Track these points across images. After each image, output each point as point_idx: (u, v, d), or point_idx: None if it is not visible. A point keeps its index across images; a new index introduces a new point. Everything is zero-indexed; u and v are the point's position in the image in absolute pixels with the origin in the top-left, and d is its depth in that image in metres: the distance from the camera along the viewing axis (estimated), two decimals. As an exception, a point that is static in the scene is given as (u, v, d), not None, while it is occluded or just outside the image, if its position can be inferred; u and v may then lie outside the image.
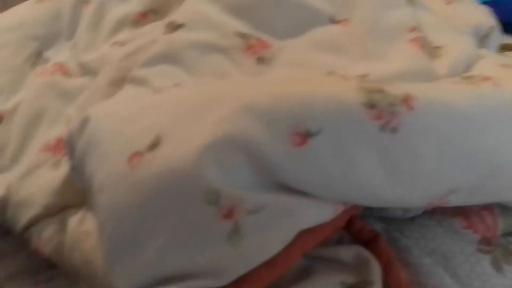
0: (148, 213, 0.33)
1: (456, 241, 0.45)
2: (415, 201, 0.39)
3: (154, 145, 0.34)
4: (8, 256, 0.51)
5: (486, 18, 0.69)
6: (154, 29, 0.59)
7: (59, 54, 0.62)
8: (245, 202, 0.33)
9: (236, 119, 0.34)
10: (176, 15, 0.54)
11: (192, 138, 0.33)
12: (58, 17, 0.65)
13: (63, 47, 0.63)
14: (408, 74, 0.45)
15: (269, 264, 0.34)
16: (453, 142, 0.37)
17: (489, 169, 0.39)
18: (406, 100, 0.36)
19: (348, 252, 0.40)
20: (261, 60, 0.51)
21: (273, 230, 0.34)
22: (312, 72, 0.47)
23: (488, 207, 0.47)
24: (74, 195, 0.47)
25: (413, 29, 0.51)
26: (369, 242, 0.43)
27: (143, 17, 0.65)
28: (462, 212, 0.47)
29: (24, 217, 0.47)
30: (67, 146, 0.41)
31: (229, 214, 0.32)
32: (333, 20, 0.53)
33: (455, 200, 0.41)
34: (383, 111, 0.35)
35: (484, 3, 0.94)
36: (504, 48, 0.84)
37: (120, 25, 0.63)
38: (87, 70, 0.59)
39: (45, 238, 0.46)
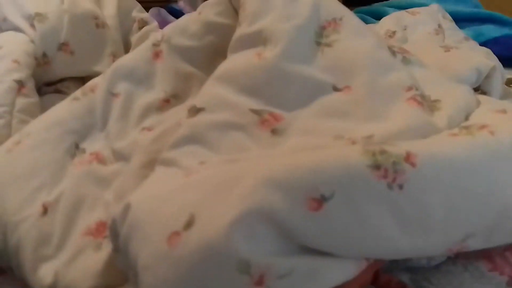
0: (188, 286, 0.37)
1: (484, 284, 0.47)
2: (433, 250, 0.42)
3: (189, 223, 0.39)
4: None
5: (486, 59, 0.74)
6: (176, 114, 0.66)
7: (94, 144, 0.68)
8: (274, 269, 0.36)
9: (257, 192, 0.38)
10: (196, 100, 0.61)
11: (221, 215, 0.38)
12: (92, 111, 0.72)
13: (97, 137, 0.69)
14: (410, 131, 0.49)
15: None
16: (459, 191, 0.40)
17: (501, 210, 0.42)
18: (408, 158, 0.40)
19: (378, 306, 0.42)
20: (275, 132, 0.56)
21: (302, 292, 0.37)
22: (322, 138, 0.52)
23: (511, 247, 0.49)
24: (116, 275, 0.51)
25: (410, 88, 0.56)
26: (398, 294, 0.44)
27: (166, 103, 0.71)
28: (486, 254, 0.49)
29: (71, 301, 0.51)
30: (111, 231, 0.46)
31: (260, 282, 0.36)
32: (336, 88, 0.59)
33: (474, 244, 0.43)
34: (388, 171, 0.39)
35: (485, 43, 0.99)
36: (509, 82, 0.87)
37: (146, 112, 0.70)
38: (120, 156, 0.64)
39: (92, 319, 0.49)
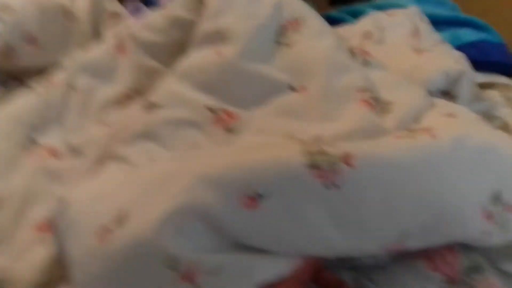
0: (119, 282, 0.37)
1: (423, 284, 0.48)
2: (369, 249, 0.42)
3: (120, 219, 0.38)
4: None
5: (455, 63, 0.75)
6: (135, 109, 0.65)
7: (50, 138, 0.67)
8: (203, 265, 0.36)
9: (191, 189, 0.38)
10: (152, 96, 0.61)
11: (153, 211, 0.38)
12: (49, 104, 0.71)
13: (53, 131, 0.68)
14: (357, 132, 0.50)
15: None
16: (395, 192, 0.41)
17: (436, 212, 0.43)
18: (345, 159, 0.41)
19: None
20: (230, 130, 0.56)
21: (233, 288, 0.37)
22: (274, 137, 0.52)
23: (449, 246, 0.50)
24: (63, 271, 0.50)
25: (364, 89, 0.57)
26: (336, 291, 0.45)
27: (127, 98, 0.71)
28: (427, 254, 0.50)
29: (15, 295, 0.50)
30: (52, 227, 0.45)
31: (189, 277, 0.36)
32: (292, 88, 0.59)
33: (411, 243, 0.44)
34: (326, 171, 0.40)
35: (461, 46, 1.00)
36: (483, 87, 0.89)
37: (106, 107, 0.69)
38: (76, 152, 0.64)
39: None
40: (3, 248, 0.55)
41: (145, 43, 0.75)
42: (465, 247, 0.49)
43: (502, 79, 0.88)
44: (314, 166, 0.40)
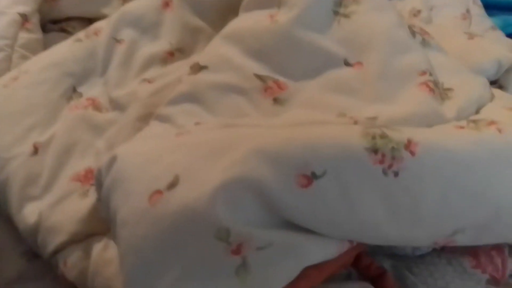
0: (165, 247, 0.36)
1: (465, 280, 0.46)
2: (419, 241, 0.41)
3: (173, 184, 0.37)
4: (35, 279, 0.54)
5: (509, 52, 0.70)
6: (179, 68, 0.63)
7: (92, 90, 0.66)
8: (253, 239, 0.35)
9: (246, 162, 0.37)
10: (200, 57, 0.58)
11: (206, 180, 0.37)
12: (93, 55, 0.70)
13: (96, 83, 0.68)
14: (416, 117, 0.47)
15: (274, 299, 0.36)
16: (455, 187, 0.39)
17: (493, 211, 0.40)
18: (408, 146, 0.38)
19: (355, 288, 0.42)
20: (277, 101, 0.54)
21: (279, 266, 0.36)
22: (324, 113, 0.50)
23: (498, 248, 0.48)
24: (99, 223, 0.50)
25: (424, 72, 0.53)
26: (376, 279, 0.44)
27: (170, 56, 0.69)
28: (472, 251, 0.48)
29: (52, 243, 0.51)
30: (96, 181, 0.45)
31: (237, 250, 0.35)
32: (347, 63, 0.56)
33: (462, 240, 0.42)
34: (386, 156, 0.38)
35: (510, 35, 0.94)
36: None
37: (149, 63, 0.68)
38: (117, 105, 0.63)
39: (70, 264, 0.49)
40: (41, 194, 0.56)
41: (192, 0, 0.72)
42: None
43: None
44: (374, 150, 0.38)
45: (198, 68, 0.56)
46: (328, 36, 0.56)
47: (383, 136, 0.38)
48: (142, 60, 0.68)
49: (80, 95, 0.67)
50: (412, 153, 0.38)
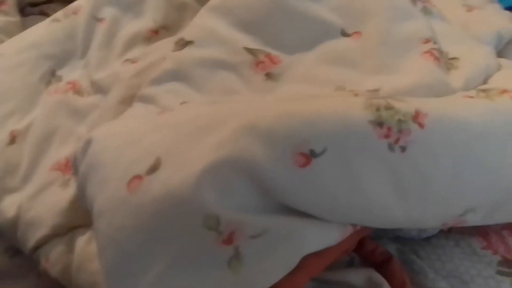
0: (147, 238, 0.32)
1: (475, 262, 0.43)
2: (428, 222, 0.37)
3: (154, 168, 0.34)
4: (18, 277, 0.51)
5: (510, 24, 0.67)
6: (164, 46, 0.59)
7: (72, 73, 0.63)
8: (245, 227, 0.32)
9: (236, 140, 0.33)
10: (185, 32, 0.54)
11: (191, 161, 0.33)
12: (72, 35, 0.66)
13: (76, 65, 0.64)
14: (422, 88, 0.43)
15: (273, 290, 0.33)
16: (469, 160, 0.35)
17: (508, 185, 0.37)
18: (416, 117, 0.34)
19: (359, 276, 0.39)
20: (270, 76, 0.50)
21: (275, 255, 0.32)
22: (321, 87, 0.46)
23: (510, 226, 0.45)
24: (82, 215, 0.47)
25: (427, 40, 0.50)
26: (382, 264, 0.41)
27: (155, 34, 0.65)
28: (481, 231, 0.45)
29: (32, 238, 0.47)
30: (73, 168, 0.41)
31: (229, 240, 0.31)
32: (344, 33, 0.52)
33: (473, 220, 0.39)
34: (392, 129, 0.34)
35: (509, 8, 0.91)
36: None
37: (132, 42, 0.64)
38: (99, 88, 0.59)
39: (52, 259, 0.46)
40: (20, 186, 0.53)
41: (175, -26, 0.68)
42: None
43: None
44: (379, 123, 0.34)
45: (183, 43, 0.52)
46: (323, 4, 0.52)
47: (389, 107, 0.35)
48: (125, 40, 0.64)
49: (60, 78, 0.63)
50: (421, 125, 0.34)
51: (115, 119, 0.47)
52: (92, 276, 0.42)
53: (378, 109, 0.34)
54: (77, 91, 0.60)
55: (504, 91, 0.41)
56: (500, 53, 0.68)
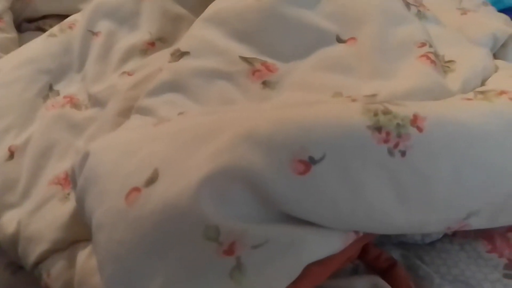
0: (147, 251, 0.32)
1: (480, 266, 0.43)
2: (431, 226, 0.37)
3: (151, 179, 0.33)
4: (20, 293, 0.51)
5: (504, 26, 0.67)
6: (161, 58, 0.59)
7: (69, 87, 0.63)
8: (246, 237, 0.31)
9: (234, 148, 0.33)
10: (181, 43, 0.54)
11: (189, 171, 0.32)
12: (69, 50, 0.66)
13: (73, 79, 0.64)
14: (419, 91, 0.43)
15: (276, 300, 0.32)
16: (469, 163, 0.35)
17: (510, 187, 0.36)
18: (415, 121, 0.34)
19: (364, 283, 0.38)
20: (267, 84, 0.50)
21: (278, 265, 0.32)
22: (319, 94, 0.46)
23: (514, 228, 0.44)
24: (83, 229, 0.46)
25: (423, 44, 0.50)
26: (386, 271, 0.40)
27: (151, 46, 0.65)
28: (486, 234, 0.45)
29: (33, 253, 0.47)
30: (71, 181, 0.41)
31: (230, 250, 0.31)
32: (339, 39, 0.52)
33: (477, 223, 0.39)
34: (391, 134, 0.34)
35: (503, 10, 0.92)
36: None
37: (128, 55, 0.64)
38: (96, 101, 0.59)
39: (54, 275, 0.46)
40: (20, 201, 0.52)
41: (170, -14, 0.68)
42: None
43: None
44: (377, 128, 0.34)
45: (179, 54, 0.52)
46: (317, 11, 0.52)
47: (386, 112, 0.34)
48: (121, 52, 0.64)
49: (57, 93, 0.63)
50: (420, 129, 0.34)
51: (113, 132, 0.47)
52: (94, 291, 0.41)
53: (376, 114, 0.34)
54: (75, 105, 0.60)
55: (502, 92, 0.41)
56: (496, 55, 0.68)
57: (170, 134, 0.37)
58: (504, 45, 0.67)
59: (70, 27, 0.68)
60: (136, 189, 0.33)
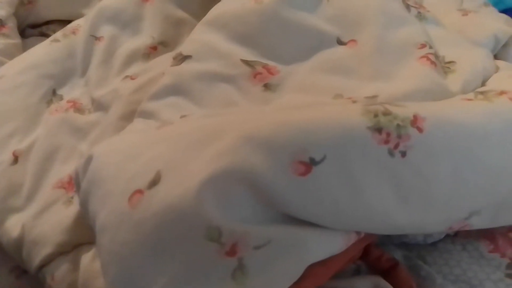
0: (150, 253, 0.32)
1: (483, 266, 0.43)
2: (432, 227, 0.37)
3: (154, 182, 0.34)
4: (25, 296, 0.51)
5: (506, 26, 0.67)
6: (163, 62, 0.60)
7: (73, 91, 0.63)
8: (248, 238, 0.31)
9: (235, 150, 0.33)
10: (183, 47, 0.55)
11: (191, 173, 0.33)
12: (72, 55, 0.67)
13: (76, 84, 0.65)
14: (420, 93, 0.43)
15: (278, 301, 0.32)
16: (470, 162, 0.35)
17: (511, 186, 0.37)
18: (415, 122, 0.34)
19: (366, 284, 0.38)
20: (268, 87, 0.50)
21: (280, 266, 0.32)
22: (320, 96, 0.46)
23: (516, 227, 0.44)
24: (87, 231, 0.46)
25: (423, 45, 0.50)
26: (389, 271, 0.40)
27: (153, 50, 0.66)
28: (488, 234, 0.45)
29: (37, 256, 0.47)
30: (75, 185, 0.41)
31: (232, 251, 0.31)
32: (340, 42, 0.52)
33: (478, 223, 0.39)
34: (391, 134, 0.34)
35: (504, 11, 0.92)
36: None
37: (131, 59, 0.65)
38: (99, 105, 0.59)
39: (58, 278, 0.46)
40: (24, 205, 0.53)
41: (172, -10, 0.69)
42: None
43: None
44: (378, 129, 0.34)
45: (181, 58, 0.52)
46: (317, 14, 0.53)
47: (386, 113, 0.35)
48: (124, 57, 0.65)
49: (61, 97, 0.64)
50: (420, 130, 0.34)
51: (116, 135, 0.48)
52: (98, 294, 0.42)
53: (376, 115, 0.34)
54: (78, 109, 0.61)
55: (502, 93, 0.41)
56: (497, 56, 0.69)
57: (172, 137, 0.38)
58: (505, 46, 0.67)
59: (73, 32, 0.69)
60: (139, 192, 0.34)
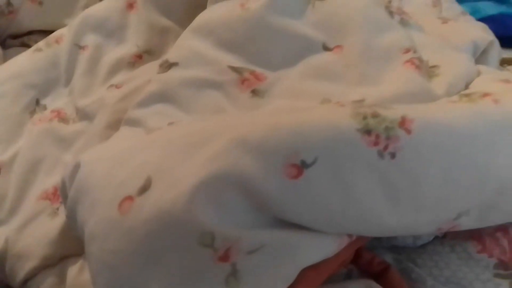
0: (141, 261, 0.32)
1: (472, 267, 0.43)
2: (422, 228, 0.37)
3: (144, 188, 0.33)
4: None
5: (484, 33, 0.69)
6: (149, 70, 0.59)
7: (57, 101, 0.62)
8: (241, 243, 0.31)
9: (227, 154, 0.33)
10: (169, 54, 0.55)
11: (182, 178, 0.32)
12: (55, 64, 0.66)
13: (60, 93, 0.64)
14: (405, 96, 0.44)
15: (272, 306, 0.32)
16: (458, 163, 0.36)
17: (499, 186, 0.37)
18: (403, 123, 0.35)
19: (358, 287, 0.38)
20: (256, 93, 0.50)
21: (273, 270, 0.32)
22: (307, 101, 0.46)
23: (503, 228, 0.45)
24: (73, 243, 0.46)
25: (408, 50, 0.51)
26: (380, 274, 0.40)
27: (138, 59, 0.66)
28: (475, 235, 0.45)
29: (22, 270, 0.46)
30: (61, 194, 0.40)
31: (225, 256, 0.31)
32: (326, 47, 0.53)
33: (467, 223, 0.39)
34: (380, 136, 0.34)
35: (481, 19, 0.95)
36: (504, 62, 0.83)
37: (116, 68, 0.64)
38: (84, 115, 0.58)
39: (44, 292, 0.45)
40: (7, 218, 0.51)
41: (157, -1, 0.69)
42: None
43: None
44: (367, 131, 0.34)
45: (168, 65, 0.52)
46: (303, 20, 0.53)
47: (375, 115, 0.35)
48: (109, 66, 0.64)
49: (44, 107, 0.63)
50: (408, 131, 0.35)
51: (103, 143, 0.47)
52: (85, 307, 0.40)
53: (365, 117, 0.35)
54: (62, 119, 0.60)
55: (486, 95, 0.42)
56: (477, 62, 0.70)
57: (162, 141, 0.37)
58: (484, 52, 0.69)
59: (57, 42, 0.68)
60: (129, 198, 0.33)
